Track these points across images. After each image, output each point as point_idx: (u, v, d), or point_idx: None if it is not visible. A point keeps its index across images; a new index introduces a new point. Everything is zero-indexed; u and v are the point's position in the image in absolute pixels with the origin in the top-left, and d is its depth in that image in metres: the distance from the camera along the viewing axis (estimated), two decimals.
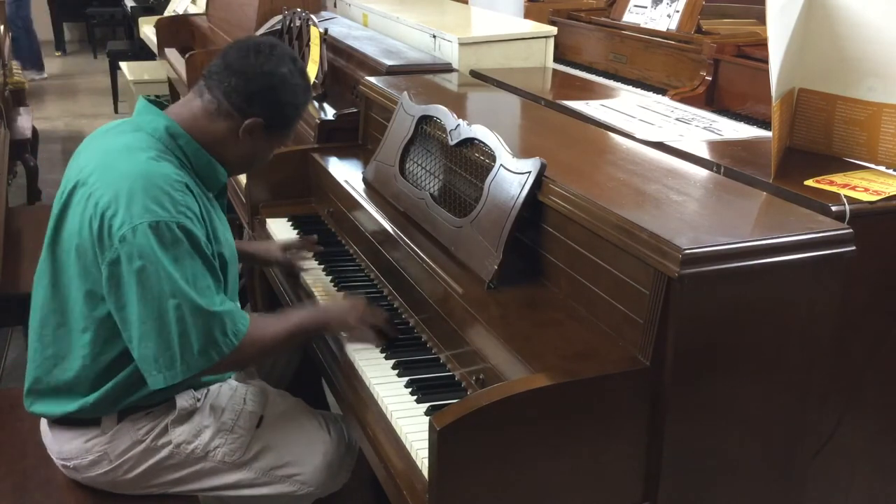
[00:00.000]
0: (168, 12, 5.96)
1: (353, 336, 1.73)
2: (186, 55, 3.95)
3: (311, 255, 2.13)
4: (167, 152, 1.61)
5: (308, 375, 2.23)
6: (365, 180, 2.22)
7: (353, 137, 2.57)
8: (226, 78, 1.64)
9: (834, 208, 1.46)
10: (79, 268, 1.56)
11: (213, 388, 1.76)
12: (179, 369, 1.52)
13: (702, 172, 1.68)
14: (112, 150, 1.59)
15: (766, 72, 1.59)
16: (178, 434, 1.69)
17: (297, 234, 2.29)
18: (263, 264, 2.23)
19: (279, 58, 1.66)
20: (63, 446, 1.68)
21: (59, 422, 1.68)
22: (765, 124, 3.11)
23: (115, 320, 1.54)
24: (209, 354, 1.53)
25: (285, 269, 2.13)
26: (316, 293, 1.96)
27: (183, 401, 1.69)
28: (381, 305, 1.87)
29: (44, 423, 1.73)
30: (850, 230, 1.37)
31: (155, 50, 5.34)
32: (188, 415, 1.70)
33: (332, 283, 2.00)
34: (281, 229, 2.34)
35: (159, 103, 1.70)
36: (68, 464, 1.68)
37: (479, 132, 1.78)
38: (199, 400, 1.72)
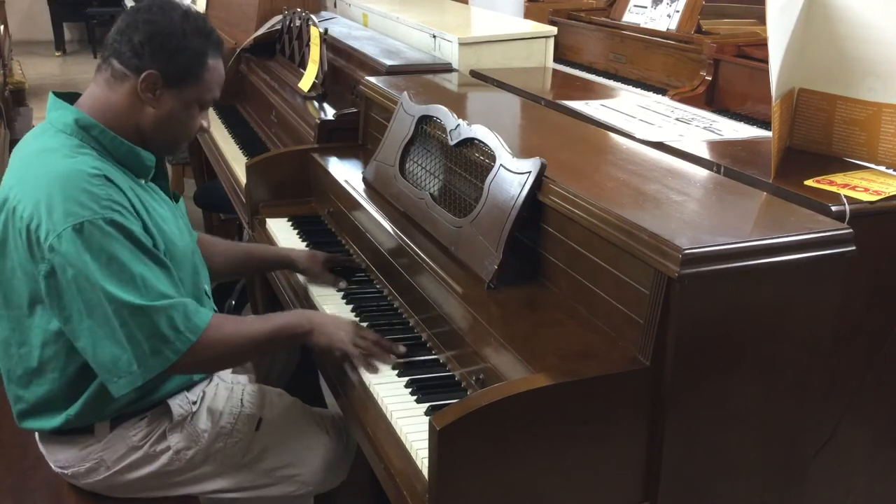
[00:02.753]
0: None
1: (358, 359, 1.63)
2: None
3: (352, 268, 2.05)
4: (83, 146, 1.53)
5: (306, 374, 2.23)
6: (365, 180, 2.22)
7: (353, 137, 2.57)
8: (114, 42, 1.59)
9: (834, 208, 1.46)
10: (25, 284, 1.51)
11: (209, 390, 1.74)
12: (138, 372, 1.46)
13: (702, 172, 1.68)
14: (27, 157, 1.54)
15: (766, 72, 1.59)
16: (177, 441, 1.67)
17: (332, 253, 2.11)
18: (309, 276, 2.03)
19: (162, 8, 1.59)
20: (58, 455, 1.66)
21: (52, 433, 1.65)
22: (765, 124, 3.11)
23: (67, 335, 1.49)
24: (163, 353, 1.46)
25: (322, 281, 2.02)
26: (315, 293, 1.96)
27: (178, 406, 1.67)
28: (380, 305, 1.88)
29: (38, 434, 1.70)
30: (850, 230, 1.37)
31: None
32: (185, 420, 1.68)
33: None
34: (281, 229, 2.33)
35: (71, 95, 1.62)
36: (66, 471, 1.67)
37: (479, 132, 1.78)
38: (195, 404, 1.70)
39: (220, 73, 1.64)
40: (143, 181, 1.64)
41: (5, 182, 1.54)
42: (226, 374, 1.82)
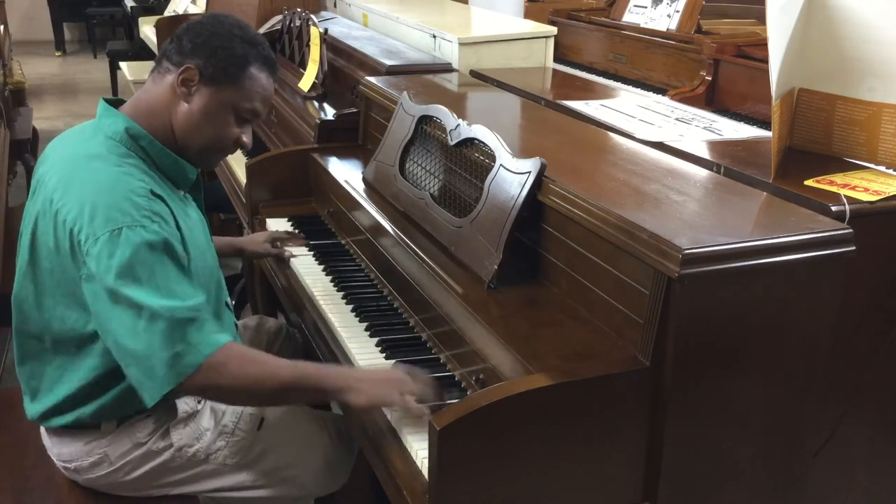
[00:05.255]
0: (168, 12, 5.97)
1: (403, 409, 1.47)
2: None
3: (302, 246, 2.16)
4: (130, 155, 1.55)
5: None
6: (365, 180, 2.22)
7: (353, 137, 2.57)
8: (166, 46, 1.63)
9: (834, 208, 1.46)
10: (63, 287, 1.51)
11: None
12: (159, 384, 1.43)
13: (702, 172, 1.68)
14: (74, 160, 1.55)
15: (766, 72, 1.59)
16: (179, 437, 1.68)
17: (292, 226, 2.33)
18: (253, 257, 2.24)
19: (216, 16, 1.64)
20: (62, 448, 1.67)
21: (59, 427, 1.66)
22: (765, 124, 3.11)
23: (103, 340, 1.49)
24: (181, 363, 1.43)
25: (275, 259, 2.16)
26: (316, 293, 1.96)
27: (184, 404, 1.69)
28: (380, 306, 1.88)
29: (44, 427, 1.72)
30: (850, 230, 1.37)
31: (155, 50, 5.34)
32: (189, 418, 1.69)
33: (332, 284, 2.00)
34: (281, 229, 2.33)
35: (118, 101, 1.65)
36: (69, 465, 1.68)
37: (479, 132, 1.78)
38: (199, 402, 1.72)
39: (263, 85, 1.63)
40: (181, 192, 1.67)
41: (48, 181, 1.55)
42: None
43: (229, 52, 1.59)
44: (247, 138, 1.66)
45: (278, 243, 2.17)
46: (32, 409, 1.65)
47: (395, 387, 1.45)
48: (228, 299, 1.83)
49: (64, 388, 1.59)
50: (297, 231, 2.29)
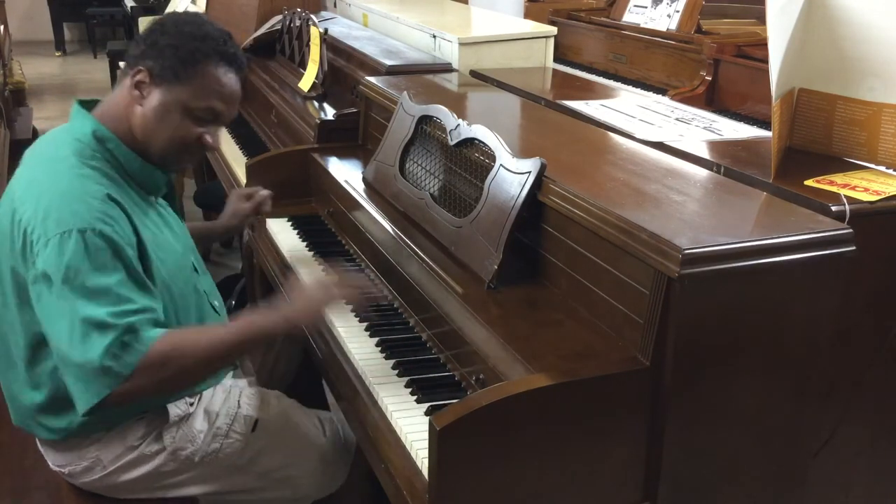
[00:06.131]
0: (168, 12, 5.97)
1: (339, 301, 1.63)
2: None
3: (265, 191, 2.10)
4: (95, 158, 1.53)
5: (308, 374, 2.23)
6: (365, 180, 2.22)
7: (353, 137, 2.57)
8: (128, 49, 1.62)
9: (834, 208, 1.46)
10: (15, 286, 1.51)
11: (207, 392, 1.73)
12: (93, 390, 1.41)
13: (702, 172, 1.68)
14: (39, 162, 1.55)
15: (766, 72, 1.59)
16: (172, 440, 1.66)
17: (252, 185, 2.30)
18: (235, 231, 2.15)
19: (174, 16, 1.59)
20: (56, 454, 1.66)
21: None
22: (765, 124, 3.11)
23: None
24: (113, 371, 1.40)
25: (253, 219, 2.12)
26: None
27: (175, 408, 1.67)
28: (380, 306, 1.87)
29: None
30: (850, 230, 1.37)
31: None
32: (181, 421, 1.67)
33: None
34: (281, 229, 2.33)
35: (95, 102, 1.63)
36: (63, 470, 1.67)
37: (479, 132, 1.78)
38: (192, 405, 1.70)
39: (219, 82, 1.57)
40: (152, 198, 1.65)
41: (15, 181, 1.55)
42: (225, 378, 1.81)
43: (177, 50, 1.55)
44: (210, 138, 1.60)
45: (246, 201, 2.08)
46: (21, 424, 1.64)
47: (325, 293, 1.61)
48: (216, 302, 1.80)
49: (41, 395, 1.57)
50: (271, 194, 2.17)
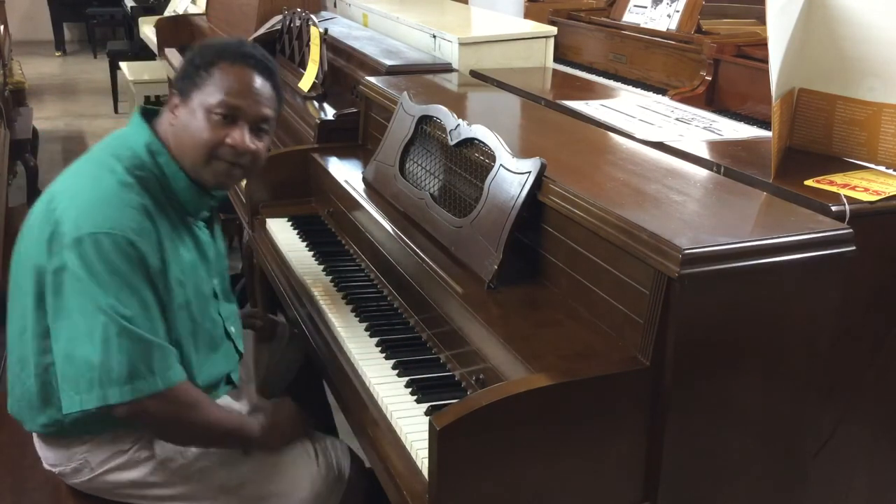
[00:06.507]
0: (168, 12, 5.97)
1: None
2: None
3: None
4: (142, 169, 1.55)
5: (309, 377, 2.23)
6: (365, 180, 2.22)
7: (353, 137, 2.57)
8: None
9: (834, 208, 1.46)
10: (32, 276, 1.51)
11: None
12: (96, 394, 1.43)
13: (702, 172, 1.68)
14: (86, 164, 1.58)
15: (766, 72, 1.59)
16: (162, 450, 1.63)
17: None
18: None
19: (208, 39, 1.65)
20: (48, 453, 1.66)
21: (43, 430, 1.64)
22: (765, 124, 3.11)
23: (51, 334, 1.48)
24: (129, 386, 1.43)
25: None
26: (316, 293, 1.96)
27: None
28: (381, 306, 1.88)
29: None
30: (850, 230, 1.37)
31: (155, 50, 5.35)
32: None
33: (332, 284, 2.00)
34: (281, 229, 2.33)
35: (155, 111, 1.65)
36: (55, 469, 1.66)
37: (479, 132, 1.78)
38: None
39: (232, 77, 1.58)
40: (191, 219, 1.65)
41: (61, 177, 1.59)
42: (223, 396, 1.76)
43: (194, 63, 1.60)
44: (233, 139, 1.58)
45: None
46: (10, 405, 1.65)
47: (293, 434, 1.73)
48: (233, 329, 1.78)
49: (35, 386, 1.57)
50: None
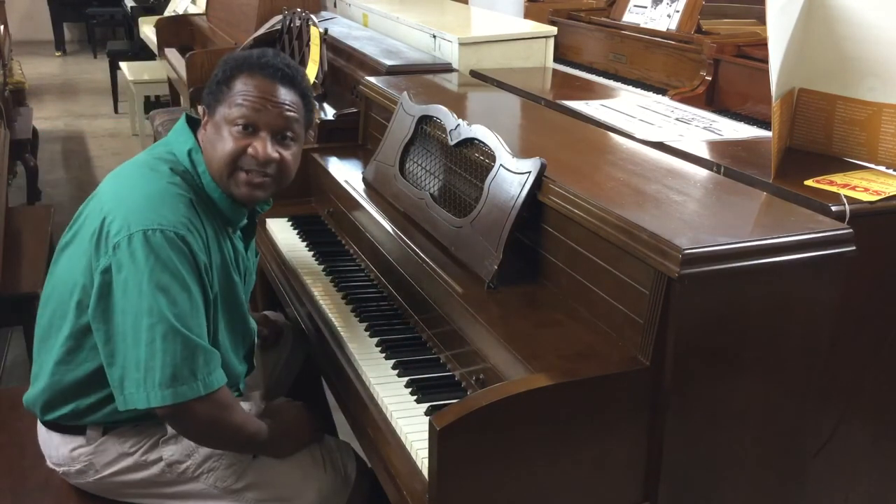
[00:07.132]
0: (168, 12, 5.97)
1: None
2: (186, 55, 3.95)
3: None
4: (186, 175, 1.58)
5: (309, 375, 2.23)
6: (365, 180, 2.22)
7: (353, 137, 2.57)
8: None
9: (834, 208, 1.46)
10: (80, 274, 1.52)
11: None
12: (140, 396, 1.44)
13: (702, 172, 1.68)
14: (133, 166, 1.61)
15: (766, 72, 1.59)
16: (170, 452, 1.63)
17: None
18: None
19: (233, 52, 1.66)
20: (52, 451, 1.66)
21: (48, 425, 1.65)
22: (765, 124, 3.11)
23: (95, 335, 1.49)
24: (171, 390, 1.44)
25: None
26: (316, 293, 1.96)
27: None
28: (381, 306, 1.88)
29: (39, 423, 1.69)
30: (850, 230, 1.37)
31: (155, 50, 5.34)
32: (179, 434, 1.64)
33: (332, 284, 2.00)
34: (281, 229, 2.34)
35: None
36: (59, 469, 1.66)
37: (479, 132, 1.78)
38: None
39: (249, 87, 1.58)
40: (229, 229, 1.66)
41: (110, 176, 1.62)
42: None
43: (216, 79, 1.62)
44: (254, 148, 1.57)
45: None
46: (27, 394, 1.65)
47: (303, 439, 1.73)
48: (256, 341, 1.80)
49: (70, 375, 1.58)
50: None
